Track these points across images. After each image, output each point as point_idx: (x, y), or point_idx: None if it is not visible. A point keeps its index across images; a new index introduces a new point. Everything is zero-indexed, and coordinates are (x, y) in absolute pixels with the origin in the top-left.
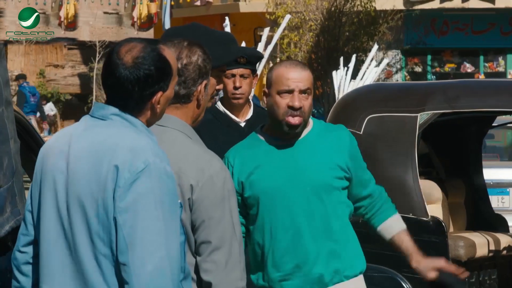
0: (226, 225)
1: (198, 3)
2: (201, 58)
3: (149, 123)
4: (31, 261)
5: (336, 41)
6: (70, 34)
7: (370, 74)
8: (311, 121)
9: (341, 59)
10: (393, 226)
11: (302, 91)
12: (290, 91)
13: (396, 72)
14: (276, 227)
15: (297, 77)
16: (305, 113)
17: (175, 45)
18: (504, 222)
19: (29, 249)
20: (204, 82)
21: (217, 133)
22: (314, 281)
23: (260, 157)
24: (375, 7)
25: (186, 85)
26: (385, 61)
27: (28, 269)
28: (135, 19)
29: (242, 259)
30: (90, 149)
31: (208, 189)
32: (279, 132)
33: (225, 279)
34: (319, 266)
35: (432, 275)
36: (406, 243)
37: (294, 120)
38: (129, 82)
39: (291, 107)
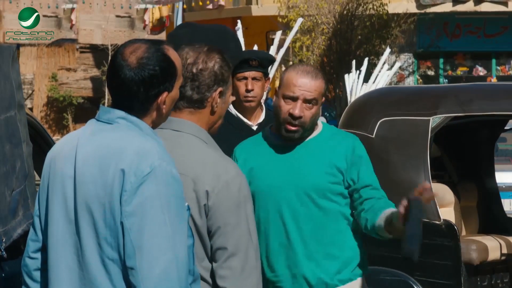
0: (242, 231)
1: (210, 6)
2: (218, 64)
3: (155, 124)
4: (41, 267)
5: (348, 44)
6: (82, 38)
7: (383, 77)
8: (320, 126)
9: (353, 62)
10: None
11: (306, 101)
12: (295, 98)
13: (409, 75)
14: (269, 227)
15: (304, 85)
16: (306, 122)
17: (194, 50)
18: None
19: (39, 255)
20: (220, 89)
21: (229, 136)
22: (304, 284)
23: (262, 155)
24: (387, 11)
25: (200, 90)
26: (397, 64)
27: (38, 275)
28: (147, 23)
29: (258, 265)
30: (97, 153)
31: (223, 195)
32: (280, 132)
33: (241, 286)
34: (309, 269)
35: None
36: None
37: (292, 128)
38: (134, 83)
39: (291, 115)
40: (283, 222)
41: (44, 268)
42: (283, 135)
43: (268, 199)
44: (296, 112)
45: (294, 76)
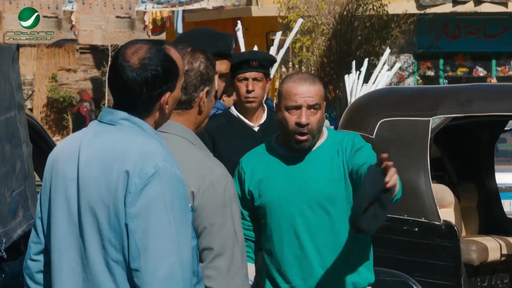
0: (228, 231)
1: (210, 7)
2: (204, 64)
3: (157, 125)
4: (43, 269)
5: (348, 45)
6: (82, 38)
7: (382, 78)
8: (325, 132)
9: (353, 63)
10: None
11: (310, 106)
12: (298, 107)
13: (408, 76)
14: (282, 239)
15: (305, 92)
16: (313, 129)
17: (178, 51)
18: None
19: (41, 257)
20: (206, 88)
21: (231, 138)
22: None
23: (270, 167)
24: (387, 11)
25: (187, 91)
26: (397, 65)
27: (40, 277)
28: (147, 23)
29: (244, 265)
30: (100, 155)
31: (209, 196)
32: (290, 145)
33: (227, 286)
34: (326, 279)
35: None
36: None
37: (302, 137)
38: (137, 84)
39: (298, 124)
40: (297, 234)
41: (47, 270)
42: (294, 147)
43: (279, 211)
44: (303, 120)
45: (293, 85)
